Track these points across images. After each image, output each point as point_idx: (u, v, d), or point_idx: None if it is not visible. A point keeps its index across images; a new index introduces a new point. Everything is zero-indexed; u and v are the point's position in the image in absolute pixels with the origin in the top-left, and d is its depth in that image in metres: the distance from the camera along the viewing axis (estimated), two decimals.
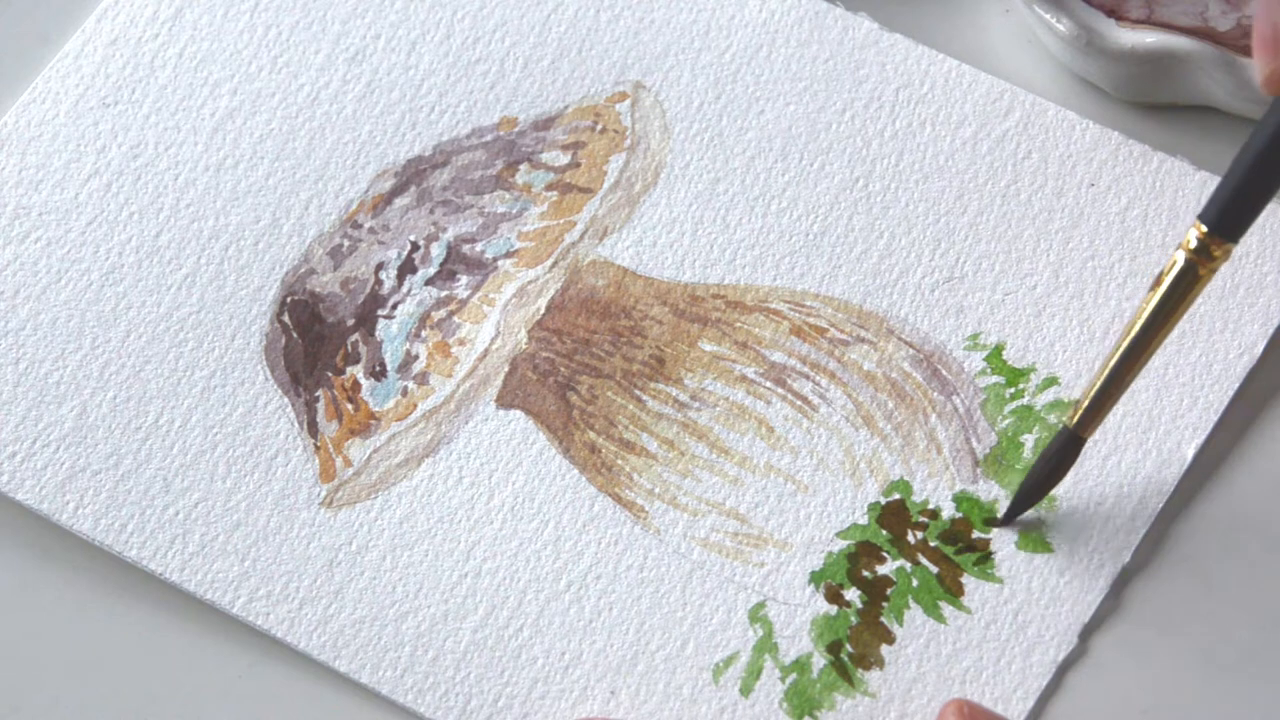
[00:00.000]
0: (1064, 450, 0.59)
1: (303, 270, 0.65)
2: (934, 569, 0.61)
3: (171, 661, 0.61)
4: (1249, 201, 0.52)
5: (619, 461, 0.62)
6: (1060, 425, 0.60)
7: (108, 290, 0.64)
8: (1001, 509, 0.61)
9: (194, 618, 0.61)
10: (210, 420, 0.63)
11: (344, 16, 0.68)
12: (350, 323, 0.64)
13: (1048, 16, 0.65)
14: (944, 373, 0.63)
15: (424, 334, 0.64)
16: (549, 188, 0.66)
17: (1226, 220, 0.52)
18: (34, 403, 0.63)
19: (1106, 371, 0.58)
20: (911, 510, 0.61)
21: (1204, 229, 0.54)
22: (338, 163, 0.66)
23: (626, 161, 0.66)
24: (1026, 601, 0.60)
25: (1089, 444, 0.62)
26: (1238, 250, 0.64)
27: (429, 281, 0.64)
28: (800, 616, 0.60)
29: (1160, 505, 0.61)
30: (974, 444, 0.62)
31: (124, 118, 0.67)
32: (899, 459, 0.62)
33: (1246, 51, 0.64)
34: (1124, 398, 0.62)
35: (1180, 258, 0.55)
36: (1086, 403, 0.58)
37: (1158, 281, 0.55)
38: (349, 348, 0.64)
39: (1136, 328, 0.57)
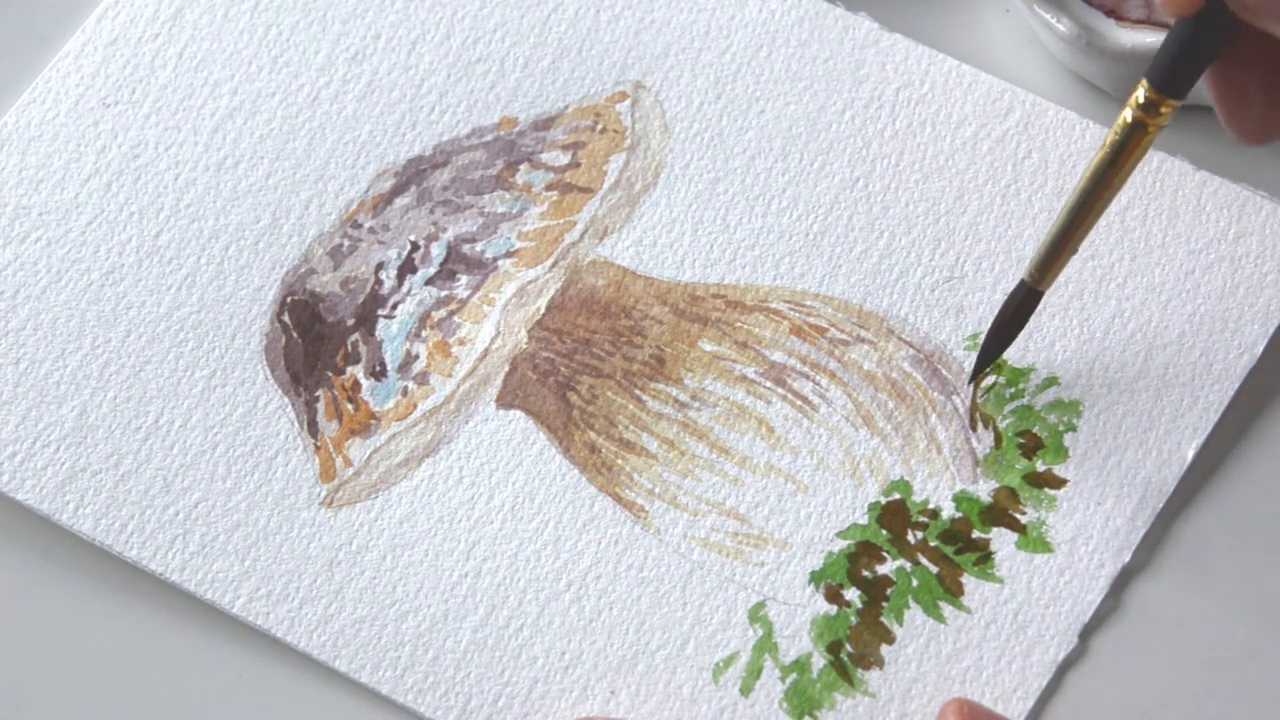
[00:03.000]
0: (1022, 304, 0.61)
1: (303, 270, 0.65)
2: (934, 569, 0.61)
3: (171, 661, 0.61)
4: (1191, 61, 0.54)
5: (619, 461, 0.62)
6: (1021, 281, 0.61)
7: (108, 290, 0.64)
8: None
9: (194, 618, 0.61)
10: (210, 420, 0.63)
11: (344, 16, 0.68)
12: (350, 322, 0.64)
13: (1048, 16, 0.65)
14: (944, 373, 0.63)
15: (424, 334, 0.64)
16: (549, 187, 0.66)
17: (1171, 79, 0.55)
18: (34, 403, 0.63)
19: (1058, 226, 0.59)
20: (911, 510, 0.61)
21: (1151, 89, 0.56)
22: (338, 162, 0.66)
23: (627, 161, 0.66)
24: (1026, 601, 0.60)
25: (1090, 443, 0.62)
26: (1238, 250, 0.64)
27: (429, 281, 0.64)
28: (800, 616, 0.60)
29: (1160, 505, 0.61)
30: (974, 444, 0.62)
31: (124, 118, 0.67)
32: (899, 459, 0.62)
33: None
34: (1124, 397, 0.62)
35: (1129, 114, 0.56)
36: (1041, 257, 0.59)
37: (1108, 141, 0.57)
38: (349, 347, 0.64)
39: (1086, 180, 0.57)
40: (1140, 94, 0.55)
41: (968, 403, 0.63)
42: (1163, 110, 0.55)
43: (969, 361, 0.63)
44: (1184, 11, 0.53)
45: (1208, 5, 0.52)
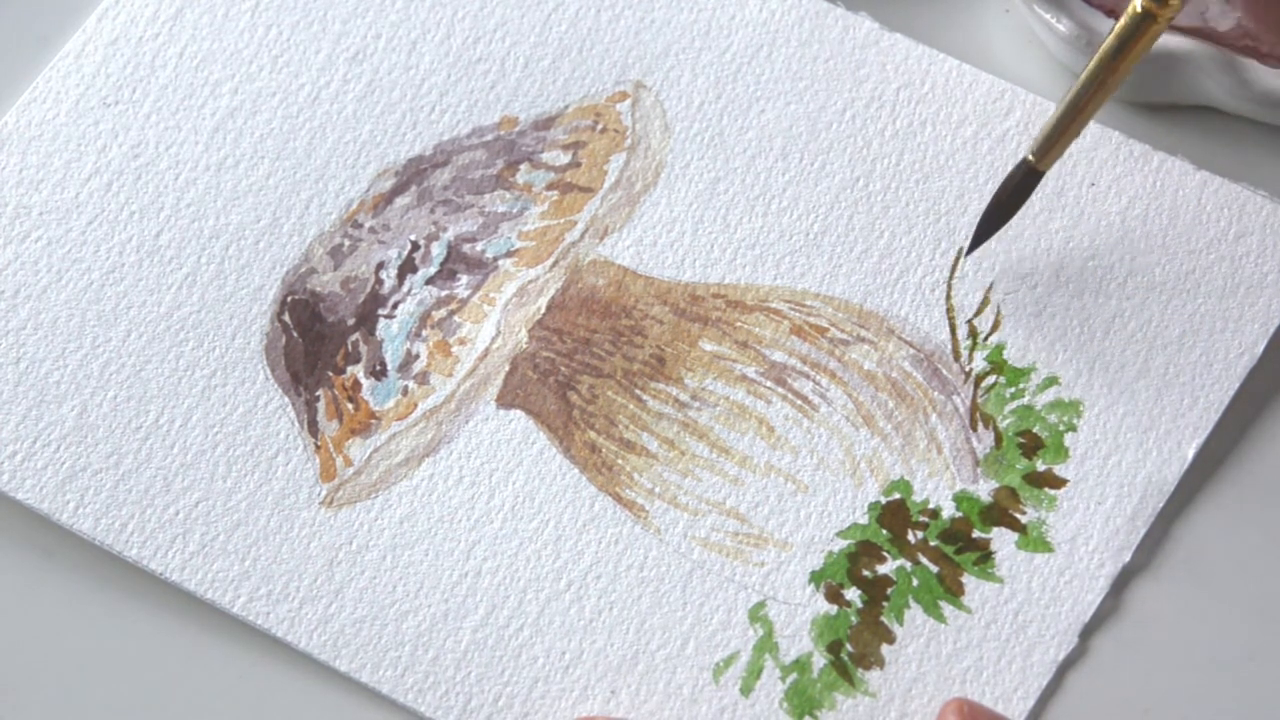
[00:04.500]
0: (1021, 182, 0.62)
1: (303, 269, 0.65)
2: (934, 568, 0.61)
3: (171, 661, 0.61)
4: None
5: (619, 461, 0.62)
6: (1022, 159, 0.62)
7: (108, 290, 0.64)
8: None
9: (194, 618, 0.61)
10: (210, 420, 0.63)
11: (344, 16, 0.68)
12: (351, 322, 0.64)
13: (1048, 16, 0.65)
14: (944, 372, 0.63)
15: (424, 333, 0.64)
16: (549, 187, 0.66)
17: None
18: (34, 402, 0.63)
19: (1063, 106, 0.60)
20: (912, 510, 0.61)
21: None
22: (338, 162, 0.66)
23: (627, 161, 0.66)
24: (1027, 601, 0.60)
25: (1090, 443, 0.62)
26: (1238, 250, 0.64)
27: (429, 281, 0.64)
28: (800, 616, 0.60)
29: (1160, 505, 0.61)
30: (974, 444, 0.62)
31: (124, 117, 0.67)
32: (899, 458, 0.62)
33: (1246, 52, 0.64)
34: (1124, 397, 0.62)
35: (1138, 4, 0.57)
36: (1044, 135, 0.60)
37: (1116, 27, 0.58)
38: (349, 347, 0.64)
39: (1093, 66, 0.59)
40: None
41: (969, 402, 0.63)
42: (1171, 2, 0.56)
43: (970, 361, 0.63)
44: None
45: None
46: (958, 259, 0.64)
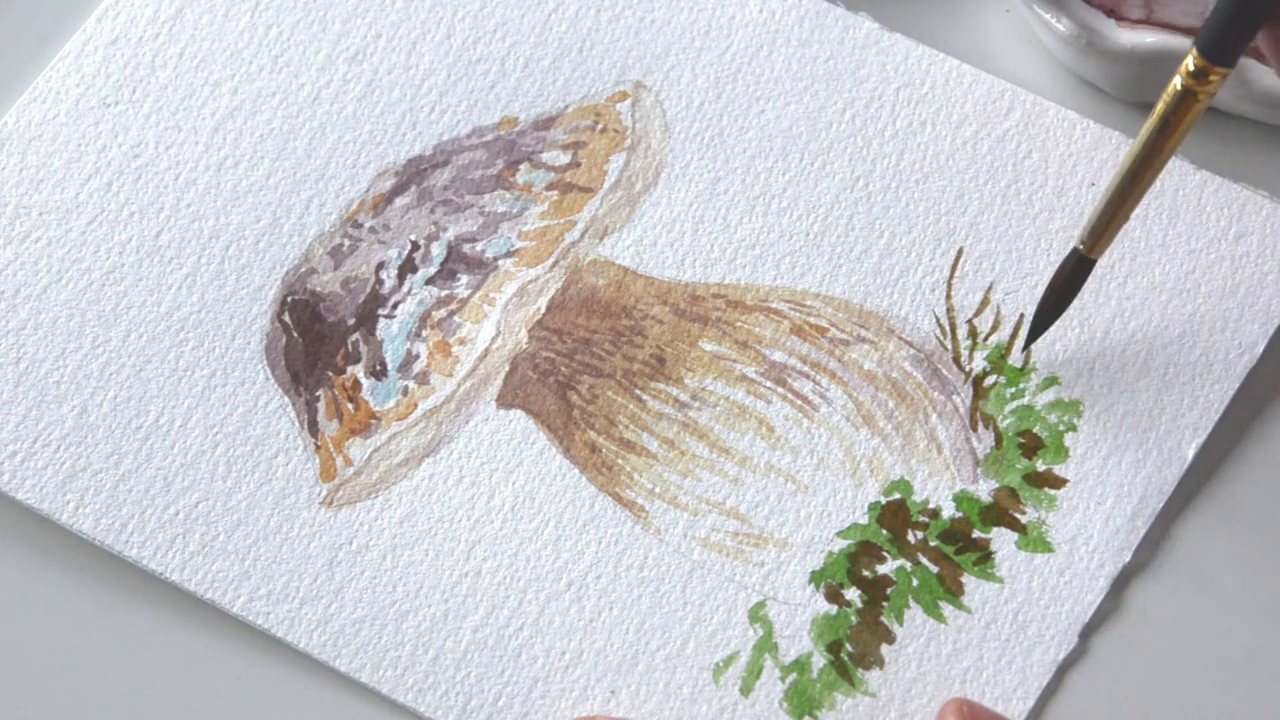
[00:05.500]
0: (1075, 271, 0.61)
1: (303, 270, 0.65)
2: (934, 568, 0.61)
3: (171, 661, 0.61)
4: (1239, 29, 0.55)
5: (619, 461, 0.62)
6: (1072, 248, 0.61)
7: (108, 290, 0.64)
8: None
9: (194, 617, 0.61)
10: (210, 420, 0.63)
11: (344, 16, 0.68)
12: (351, 322, 0.64)
13: (1048, 16, 0.65)
14: (944, 372, 0.63)
15: (424, 333, 0.64)
16: (549, 187, 0.66)
17: (1219, 47, 0.55)
18: (34, 402, 0.63)
19: (1110, 192, 0.59)
20: (912, 510, 0.61)
21: (1200, 58, 0.56)
22: (338, 162, 0.66)
23: (627, 161, 0.66)
24: (1027, 601, 0.60)
25: (1090, 443, 0.62)
26: (1238, 250, 0.64)
27: (429, 281, 0.64)
28: (800, 616, 0.60)
29: (1160, 505, 0.61)
30: (974, 444, 0.62)
31: (124, 117, 0.67)
32: (899, 459, 0.62)
33: (1246, 52, 0.64)
34: (1124, 397, 0.62)
35: (1179, 83, 0.56)
36: (1092, 223, 0.60)
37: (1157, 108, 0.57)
38: (349, 347, 0.64)
39: (1137, 149, 0.58)
40: (1190, 62, 0.56)
41: (969, 402, 0.63)
42: (1211, 79, 0.56)
43: (970, 361, 0.63)
44: None
45: None
46: (958, 259, 0.64)
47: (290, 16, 0.68)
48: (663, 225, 0.65)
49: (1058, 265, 0.61)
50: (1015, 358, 0.63)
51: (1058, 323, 0.63)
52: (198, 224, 0.65)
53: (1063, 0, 0.65)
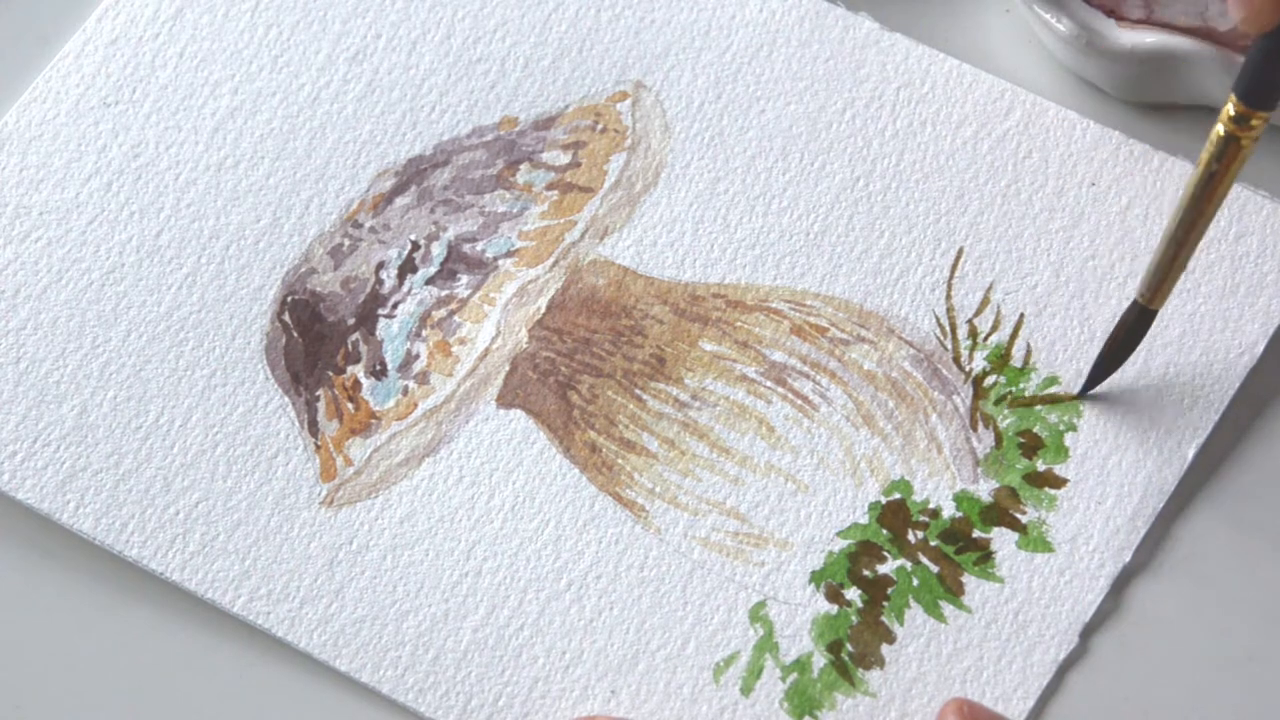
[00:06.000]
0: (1136, 323, 0.61)
1: (303, 269, 0.65)
2: (934, 568, 0.61)
3: (171, 661, 0.61)
4: (1276, 72, 0.54)
5: (619, 461, 0.62)
6: (1132, 300, 0.61)
7: (108, 290, 0.64)
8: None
9: (194, 617, 0.61)
10: (211, 419, 0.63)
11: (344, 16, 0.68)
12: (351, 322, 0.64)
13: (1048, 16, 0.65)
14: (944, 372, 0.63)
15: (425, 333, 0.64)
16: (549, 187, 0.66)
17: (1257, 92, 0.55)
18: (34, 402, 0.63)
19: (1165, 242, 0.59)
20: (912, 509, 0.61)
21: (1240, 103, 0.55)
22: (338, 162, 0.66)
23: (627, 161, 0.66)
24: (1027, 601, 0.60)
25: (1090, 443, 0.62)
26: (1238, 250, 0.64)
27: (429, 281, 0.64)
28: (801, 616, 0.60)
29: (1160, 505, 0.61)
30: (974, 443, 0.62)
31: (124, 117, 0.67)
32: (899, 458, 0.62)
33: (1246, 51, 0.64)
34: (1124, 397, 0.63)
35: (1221, 129, 0.56)
36: (1150, 275, 0.59)
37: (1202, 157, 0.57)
38: (350, 347, 0.64)
39: (1188, 198, 0.57)
40: (1230, 108, 0.55)
41: (969, 402, 0.63)
42: (1254, 124, 0.55)
43: (970, 361, 0.63)
44: (1265, 27, 0.53)
45: None
46: (958, 259, 0.64)
47: (290, 16, 0.68)
48: (663, 225, 0.65)
49: (1119, 318, 0.61)
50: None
51: (1058, 323, 0.63)
52: (198, 224, 0.65)
53: (1063, 0, 0.65)
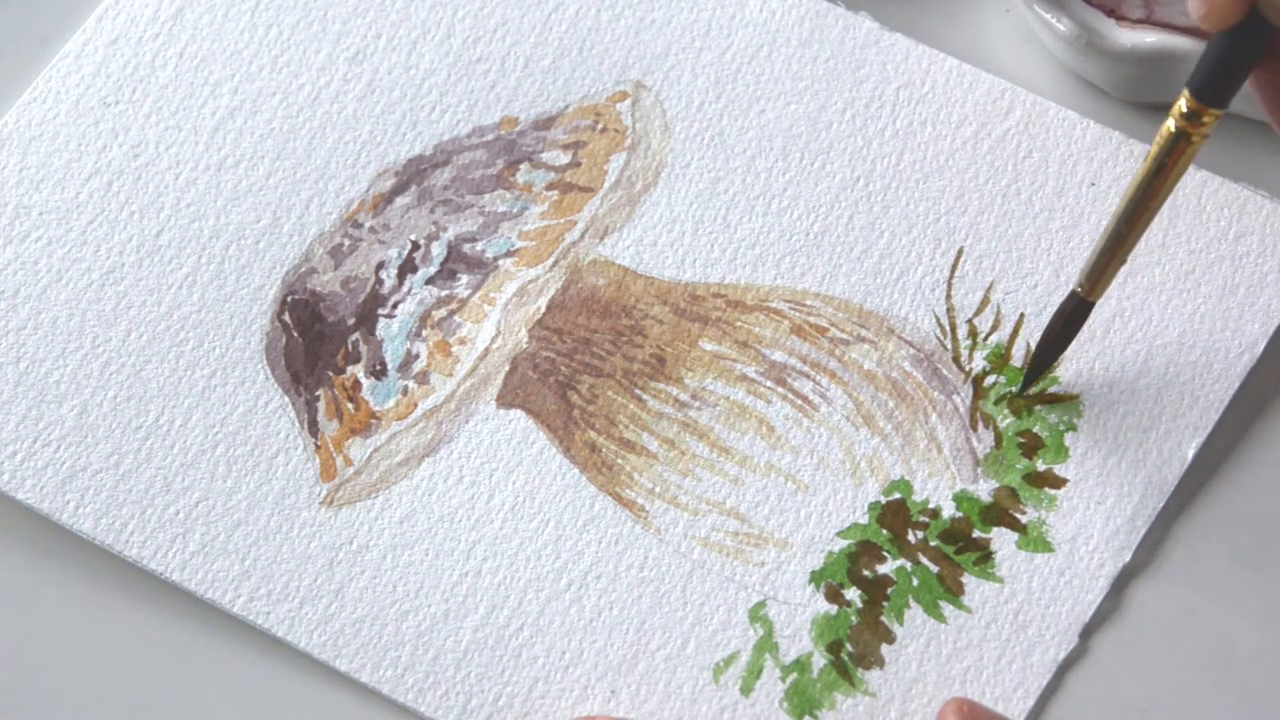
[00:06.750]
0: (1073, 314, 0.61)
1: (303, 269, 0.65)
2: (934, 568, 0.61)
3: (171, 661, 0.61)
4: (1231, 70, 0.55)
5: (619, 461, 0.62)
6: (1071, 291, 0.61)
7: (108, 289, 0.64)
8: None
9: (194, 617, 0.61)
10: (211, 419, 0.63)
11: (345, 16, 0.68)
12: (351, 322, 0.64)
13: (1048, 16, 0.65)
14: (944, 372, 0.63)
15: (425, 333, 0.64)
16: (549, 187, 0.66)
17: (1212, 89, 0.56)
18: (34, 402, 0.63)
19: (1106, 236, 0.59)
20: (912, 509, 0.61)
21: (1193, 99, 0.56)
22: (338, 162, 0.66)
23: (627, 161, 0.66)
24: (1027, 601, 0.60)
25: (1090, 443, 0.62)
26: (1238, 250, 0.64)
27: (429, 280, 0.64)
28: (800, 616, 0.60)
29: (1160, 505, 0.61)
30: (974, 443, 0.62)
31: (124, 117, 0.67)
32: (899, 458, 0.62)
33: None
34: (1124, 397, 0.62)
35: (1172, 124, 0.56)
36: (1090, 266, 0.60)
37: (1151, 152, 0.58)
38: (350, 347, 0.64)
39: (1132, 191, 0.58)
40: (1182, 104, 0.56)
41: (969, 402, 0.63)
42: (1205, 120, 0.56)
43: (970, 361, 0.63)
44: (1222, 24, 0.53)
45: (1246, 17, 0.53)
46: (958, 259, 0.64)
47: (290, 16, 0.68)
48: (663, 225, 0.65)
49: (1058, 308, 0.61)
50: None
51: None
52: (198, 224, 0.65)
53: (1063, 0, 0.65)
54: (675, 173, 0.66)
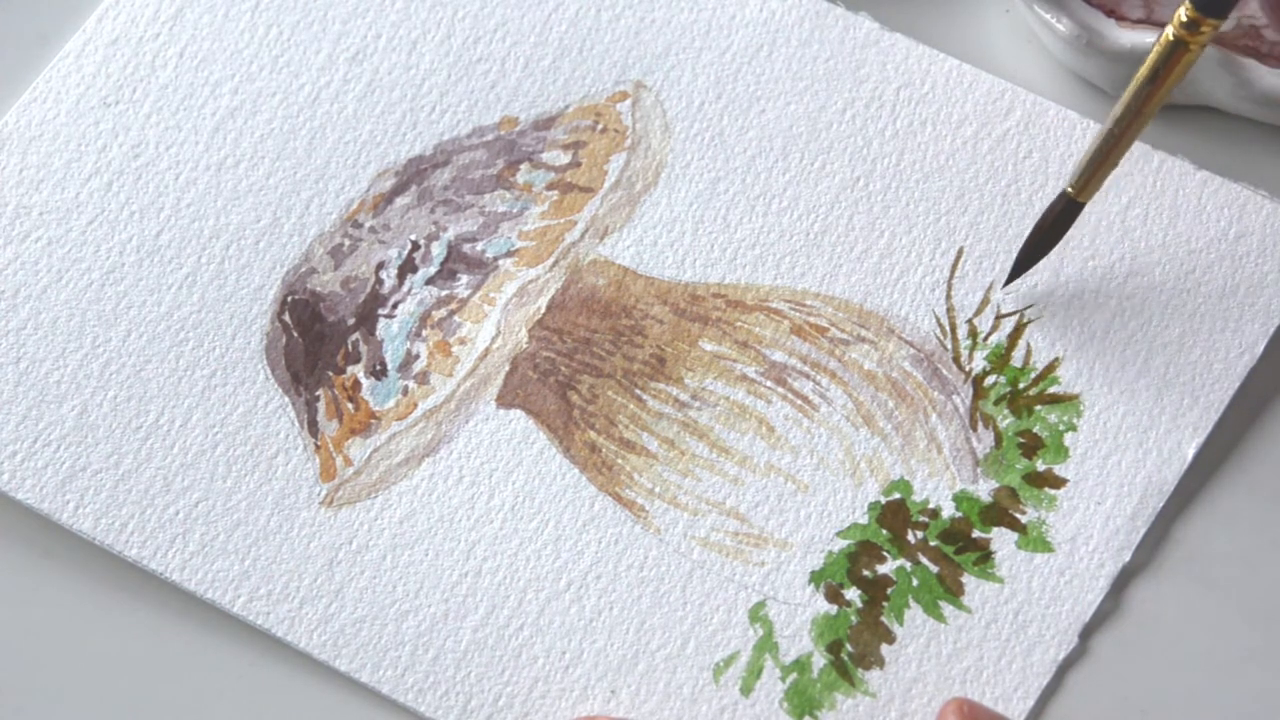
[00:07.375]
0: (1063, 214, 0.62)
1: (303, 269, 0.65)
2: (934, 568, 0.61)
3: (171, 661, 0.61)
4: None
5: (619, 461, 0.62)
6: (1062, 190, 0.62)
7: (108, 290, 0.64)
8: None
9: (194, 617, 0.61)
10: (211, 419, 0.63)
11: (345, 16, 0.68)
12: (351, 322, 0.64)
13: (1048, 16, 0.65)
14: (944, 372, 0.63)
15: (425, 333, 0.64)
16: (550, 187, 0.66)
17: (1212, 1, 0.57)
18: (34, 402, 0.63)
19: (1100, 137, 0.60)
20: (912, 510, 0.61)
21: (1192, 9, 0.57)
22: (338, 162, 0.66)
23: (627, 161, 0.66)
24: (1027, 601, 0.60)
25: (1090, 443, 0.62)
26: (1238, 250, 0.64)
27: (429, 281, 0.64)
28: (800, 616, 0.60)
29: (1160, 505, 0.61)
30: (974, 443, 0.62)
31: (125, 117, 0.67)
32: (899, 458, 0.62)
33: (1246, 51, 0.64)
34: (1124, 397, 0.62)
35: (1170, 32, 0.57)
36: (1081, 167, 0.61)
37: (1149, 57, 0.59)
38: (350, 347, 0.64)
39: (1128, 96, 0.59)
40: (1182, 13, 0.57)
41: (969, 402, 0.63)
42: (1203, 29, 0.57)
43: (970, 361, 0.63)
44: None
45: None
46: (958, 259, 0.64)
47: (290, 16, 0.68)
48: (663, 225, 0.65)
49: (1047, 207, 0.62)
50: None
51: (1058, 323, 0.63)
52: (198, 224, 0.65)
53: (1063, 0, 0.65)
54: (675, 173, 0.66)
